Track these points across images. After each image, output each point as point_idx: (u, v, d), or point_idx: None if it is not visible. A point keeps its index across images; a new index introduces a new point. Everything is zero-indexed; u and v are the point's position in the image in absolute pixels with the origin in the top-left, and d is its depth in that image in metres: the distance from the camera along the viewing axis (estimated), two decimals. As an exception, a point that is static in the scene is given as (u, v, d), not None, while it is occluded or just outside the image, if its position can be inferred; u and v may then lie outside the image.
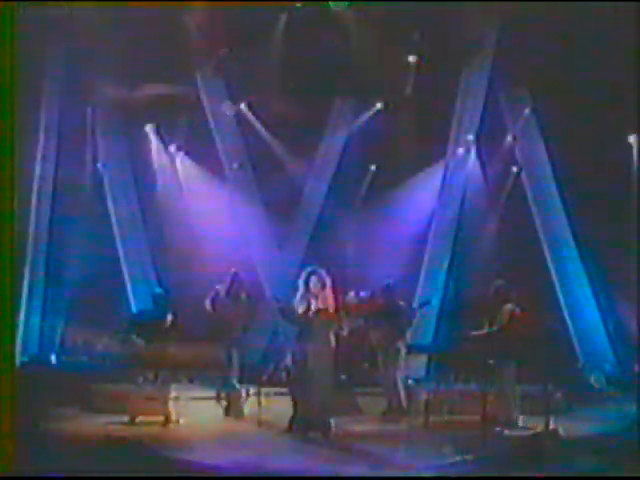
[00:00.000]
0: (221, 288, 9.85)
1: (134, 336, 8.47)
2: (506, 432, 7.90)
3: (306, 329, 7.93)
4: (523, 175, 11.77)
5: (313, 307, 7.87)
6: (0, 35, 5.50)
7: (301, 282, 7.95)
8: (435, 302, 10.64)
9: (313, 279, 7.89)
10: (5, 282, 5.56)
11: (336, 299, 7.98)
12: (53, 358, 11.23)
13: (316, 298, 7.89)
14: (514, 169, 11.83)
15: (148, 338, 8.48)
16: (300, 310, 7.92)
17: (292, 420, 7.91)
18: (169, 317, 8.52)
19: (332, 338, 7.97)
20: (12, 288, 5.62)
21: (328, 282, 7.91)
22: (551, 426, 7.51)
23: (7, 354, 5.54)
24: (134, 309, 11.07)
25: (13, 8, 5.73)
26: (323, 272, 7.95)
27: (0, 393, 5.43)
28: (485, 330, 8.29)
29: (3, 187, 5.70)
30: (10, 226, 5.70)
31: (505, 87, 11.64)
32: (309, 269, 8.03)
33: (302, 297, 7.95)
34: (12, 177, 5.74)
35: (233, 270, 9.93)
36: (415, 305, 9.59)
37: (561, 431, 7.25)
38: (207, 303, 9.75)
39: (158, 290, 8.91)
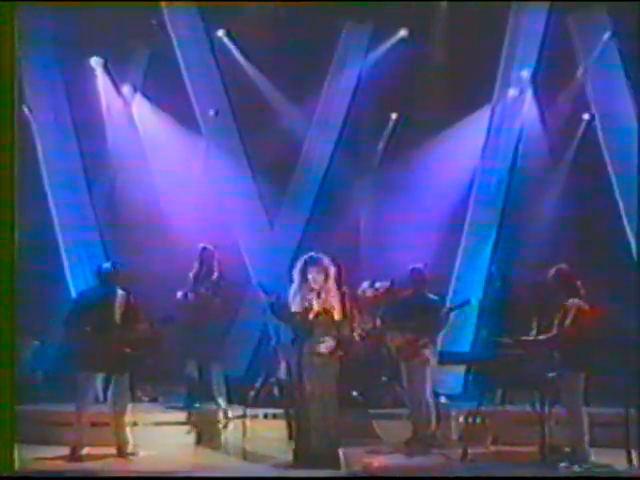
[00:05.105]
0: (193, 273, 10.05)
1: (84, 326, 8.48)
2: (575, 468, 7.91)
3: (304, 331, 8.01)
4: (597, 122, 11.66)
5: (312, 305, 7.90)
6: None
7: (297, 273, 7.98)
8: (476, 297, 10.61)
9: (312, 269, 7.89)
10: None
11: (343, 293, 8.01)
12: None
13: (317, 293, 7.91)
14: (585, 115, 11.76)
15: (99, 325, 8.49)
16: (296, 308, 7.97)
17: (295, 453, 7.95)
18: (119, 295, 8.55)
19: (339, 343, 7.98)
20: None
21: (332, 271, 7.93)
22: (634, 462, 7.52)
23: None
24: (75, 293, 11.07)
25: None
26: (325, 259, 7.97)
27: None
28: (542, 333, 8.23)
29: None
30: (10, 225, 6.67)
31: (575, 5, 11.47)
32: (306, 256, 8.04)
33: (298, 292, 7.97)
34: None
35: (201, 245, 10.04)
36: (451, 306, 9.57)
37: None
38: (179, 296, 9.90)
39: (104, 264, 8.96)
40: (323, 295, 7.91)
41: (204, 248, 10.08)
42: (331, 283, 7.94)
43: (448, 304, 9.64)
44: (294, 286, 8.01)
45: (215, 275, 10.05)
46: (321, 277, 7.90)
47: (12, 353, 6.81)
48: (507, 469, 8.07)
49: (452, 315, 9.39)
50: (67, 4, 11.28)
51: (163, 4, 11.96)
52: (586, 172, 11.64)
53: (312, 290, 7.94)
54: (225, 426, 9.43)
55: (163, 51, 12.09)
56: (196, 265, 10.11)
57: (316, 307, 7.92)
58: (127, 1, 11.27)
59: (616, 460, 7.85)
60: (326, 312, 7.92)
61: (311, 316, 7.93)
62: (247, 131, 12.22)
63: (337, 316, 7.97)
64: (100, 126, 12.24)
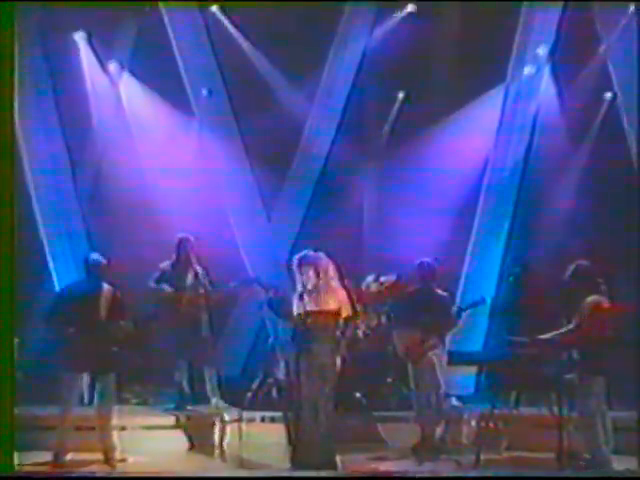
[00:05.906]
0: (167, 265, 10.09)
1: (68, 323, 8.47)
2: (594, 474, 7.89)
3: (304, 329, 8.00)
4: (620, 102, 11.64)
5: (305, 304, 7.93)
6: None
7: (296, 272, 8.00)
8: (489, 294, 10.62)
9: (303, 268, 7.97)
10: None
11: (346, 288, 8.01)
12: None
13: (311, 292, 7.93)
14: (607, 94, 11.73)
15: (84, 321, 8.49)
16: (295, 308, 8.01)
17: (292, 459, 7.97)
18: (106, 289, 8.53)
19: (341, 342, 8.01)
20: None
21: (324, 266, 7.96)
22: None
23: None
24: (59, 287, 11.07)
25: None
26: (316, 255, 8.00)
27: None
28: (560, 331, 8.22)
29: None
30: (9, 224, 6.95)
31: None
32: (298, 256, 8.08)
33: (296, 293, 8.01)
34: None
35: (180, 236, 10.07)
36: (463, 305, 9.57)
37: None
38: (150, 285, 9.98)
39: (92, 256, 8.97)
40: (319, 293, 7.93)
41: (182, 239, 10.09)
42: (328, 279, 7.96)
43: (459, 303, 9.63)
44: (297, 288, 8.04)
45: (198, 268, 10.04)
46: (312, 274, 7.95)
47: (12, 354, 7.02)
48: (522, 476, 8.08)
49: (464, 314, 9.39)
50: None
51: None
52: (608, 156, 11.59)
53: (306, 289, 7.95)
54: (220, 430, 9.41)
55: (152, 25, 12.03)
56: (173, 257, 10.15)
57: (309, 307, 7.93)
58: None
59: (634, 466, 7.86)
60: (320, 313, 7.93)
61: (307, 316, 7.93)
62: (243, 113, 12.18)
63: (344, 313, 8.00)
64: (84, 106, 12.18)
